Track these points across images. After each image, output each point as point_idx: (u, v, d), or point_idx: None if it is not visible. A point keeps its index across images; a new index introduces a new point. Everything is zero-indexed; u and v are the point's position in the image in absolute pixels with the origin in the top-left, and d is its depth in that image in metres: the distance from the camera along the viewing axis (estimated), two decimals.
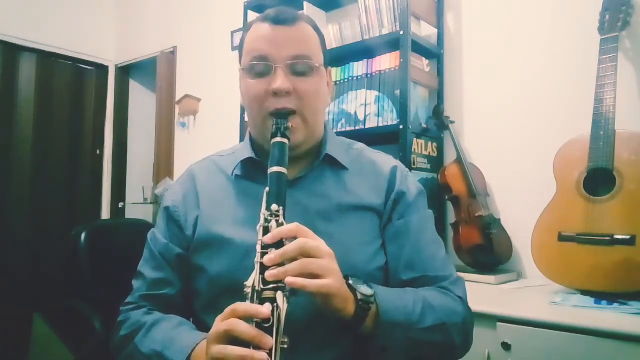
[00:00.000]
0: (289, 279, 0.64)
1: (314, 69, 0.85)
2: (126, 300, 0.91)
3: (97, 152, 3.73)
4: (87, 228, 1.41)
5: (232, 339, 0.62)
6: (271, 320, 0.62)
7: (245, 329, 0.61)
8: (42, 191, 3.38)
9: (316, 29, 0.89)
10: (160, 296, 0.88)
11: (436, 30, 2.02)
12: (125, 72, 3.82)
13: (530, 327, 1.16)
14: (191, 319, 0.90)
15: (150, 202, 3.42)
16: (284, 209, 0.72)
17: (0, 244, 3.15)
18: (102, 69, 3.76)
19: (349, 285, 0.73)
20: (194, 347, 0.74)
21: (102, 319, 1.24)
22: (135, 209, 3.59)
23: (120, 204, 3.71)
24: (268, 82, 0.83)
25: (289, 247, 0.67)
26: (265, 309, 0.62)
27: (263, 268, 0.66)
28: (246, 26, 0.90)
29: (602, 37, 1.43)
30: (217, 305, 0.69)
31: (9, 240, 3.20)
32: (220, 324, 0.64)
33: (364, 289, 0.73)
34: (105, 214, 3.72)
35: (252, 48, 0.85)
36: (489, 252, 1.66)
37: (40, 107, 3.39)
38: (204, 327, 0.68)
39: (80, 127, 3.64)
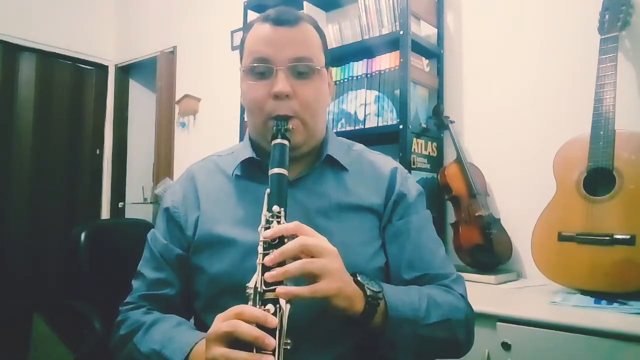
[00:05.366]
0: (280, 291, 0.63)
1: (315, 71, 0.85)
2: (125, 300, 0.90)
3: (97, 152, 3.73)
4: (87, 228, 1.41)
5: (233, 340, 0.62)
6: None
7: (248, 330, 0.61)
8: (42, 191, 3.38)
9: (318, 29, 0.89)
10: (159, 296, 0.88)
11: (436, 30, 2.02)
12: (125, 72, 3.82)
13: (530, 327, 1.15)
14: (192, 319, 0.90)
15: (150, 202, 3.42)
16: (285, 211, 0.72)
17: (0, 244, 3.15)
18: (102, 69, 3.76)
19: (357, 282, 0.73)
20: (193, 346, 0.73)
21: (102, 319, 1.24)
22: (135, 209, 3.59)
23: (120, 204, 3.71)
24: (269, 85, 0.82)
25: (289, 246, 0.67)
26: (274, 319, 0.62)
27: (265, 270, 0.66)
28: (247, 26, 0.90)
29: (602, 37, 1.43)
30: (218, 306, 0.69)
31: (9, 240, 3.19)
32: (221, 324, 0.63)
33: (372, 286, 0.73)
34: (105, 214, 3.72)
35: (253, 49, 0.85)
36: (489, 252, 1.66)
37: (40, 107, 3.39)
38: (205, 327, 0.67)
39: (80, 127, 3.64)
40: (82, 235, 1.37)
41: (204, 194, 0.91)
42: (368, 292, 0.72)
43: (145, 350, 0.79)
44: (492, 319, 1.21)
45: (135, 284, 0.91)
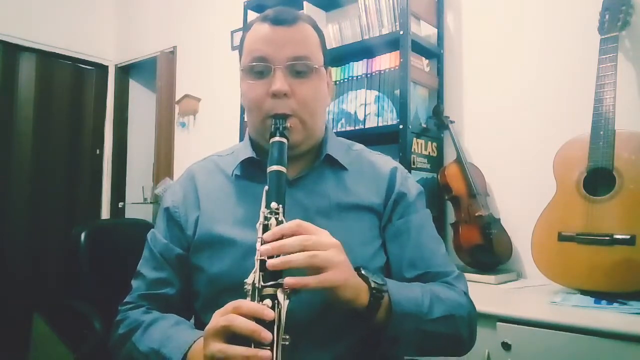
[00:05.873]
0: (288, 281, 0.64)
1: (314, 70, 0.85)
2: (125, 300, 0.90)
3: (97, 152, 3.73)
4: (87, 228, 1.41)
5: (230, 334, 0.62)
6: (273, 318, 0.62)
7: (244, 323, 0.61)
8: (42, 191, 3.38)
9: (317, 29, 0.90)
10: (159, 296, 0.88)
11: (436, 30, 2.02)
12: (125, 72, 3.82)
13: (530, 327, 1.16)
14: (192, 319, 0.90)
15: (150, 202, 3.42)
16: (283, 207, 0.72)
17: (1, 244, 3.15)
18: (102, 69, 3.76)
19: (361, 275, 0.73)
20: (192, 345, 0.73)
21: (101, 319, 1.24)
22: (135, 209, 3.59)
23: (120, 204, 3.71)
24: (267, 84, 0.83)
25: (289, 241, 0.66)
26: (271, 312, 0.62)
27: (263, 266, 0.66)
28: (246, 26, 0.90)
29: (602, 37, 1.43)
30: (217, 305, 0.69)
31: (9, 240, 3.19)
32: (219, 319, 0.64)
33: (375, 279, 0.74)
34: (105, 214, 3.72)
35: (251, 49, 0.85)
36: (489, 252, 1.66)
37: (40, 107, 3.39)
38: (204, 326, 0.67)
39: (80, 127, 3.64)
40: (82, 235, 1.37)
41: (204, 193, 0.91)
42: (372, 285, 0.72)
43: (144, 349, 0.79)
44: (492, 319, 1.21)
45: (134, 283, 0.91)
